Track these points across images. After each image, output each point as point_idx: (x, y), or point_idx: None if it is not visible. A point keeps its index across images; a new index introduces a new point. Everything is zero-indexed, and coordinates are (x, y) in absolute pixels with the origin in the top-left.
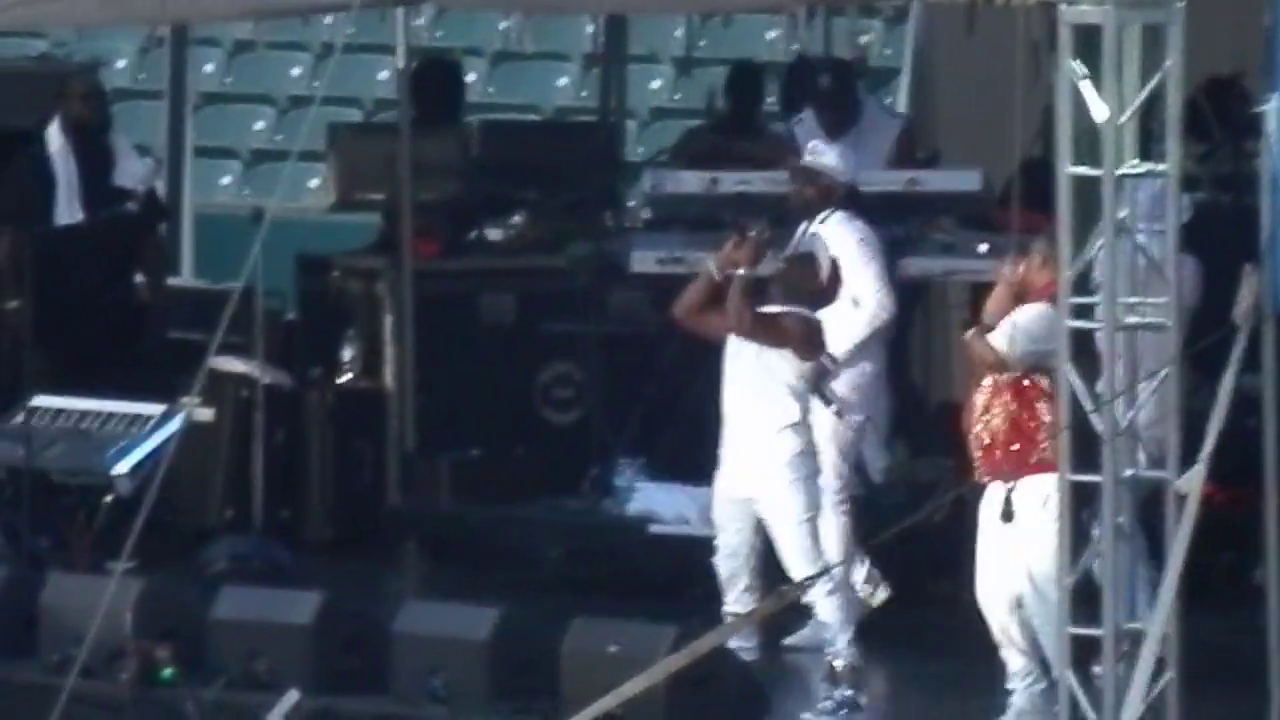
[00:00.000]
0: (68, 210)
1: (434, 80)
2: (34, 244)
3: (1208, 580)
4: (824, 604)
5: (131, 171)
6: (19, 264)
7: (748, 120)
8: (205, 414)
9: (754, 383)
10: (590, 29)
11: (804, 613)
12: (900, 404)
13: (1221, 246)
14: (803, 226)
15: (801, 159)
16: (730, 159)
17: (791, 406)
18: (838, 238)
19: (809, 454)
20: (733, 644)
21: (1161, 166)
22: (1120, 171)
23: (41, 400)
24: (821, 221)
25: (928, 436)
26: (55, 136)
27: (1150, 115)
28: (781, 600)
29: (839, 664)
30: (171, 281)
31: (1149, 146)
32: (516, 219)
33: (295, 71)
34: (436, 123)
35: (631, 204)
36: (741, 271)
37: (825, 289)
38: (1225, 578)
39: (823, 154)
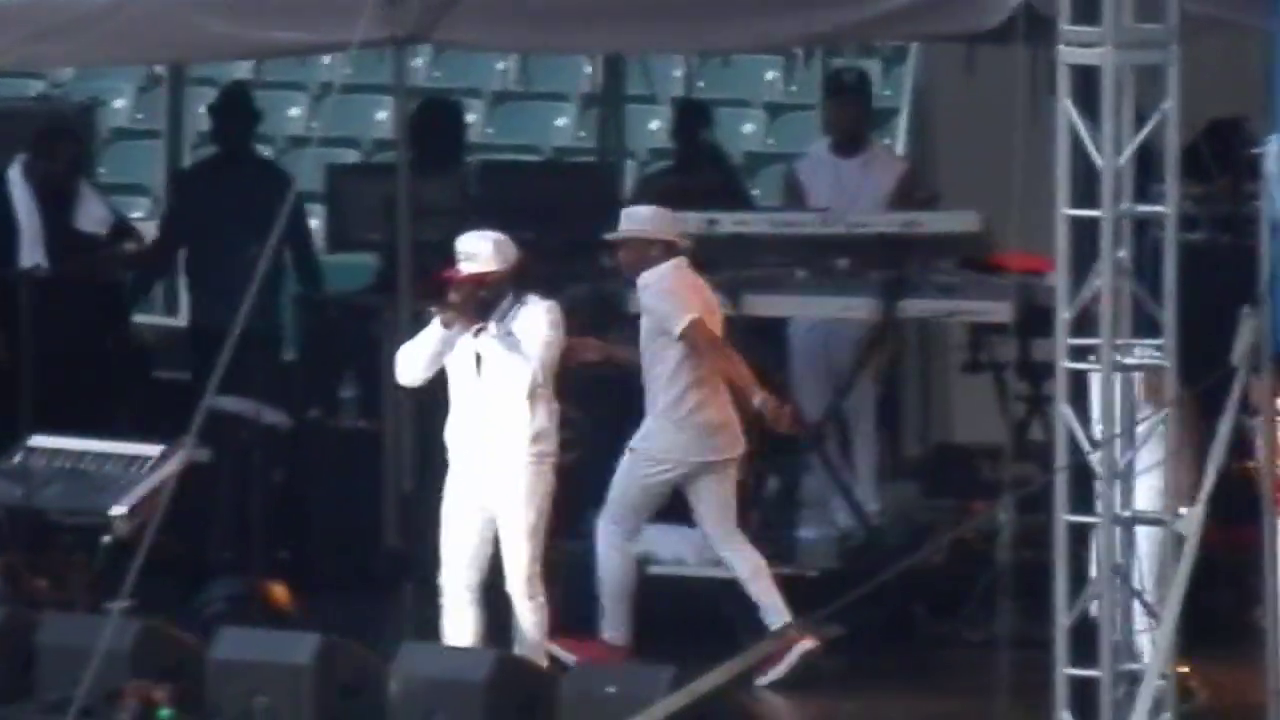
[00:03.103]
0: (30, 255)
1: (435, 121)
2: (4, 289)
3: (1207, 620)
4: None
5: (92, 215)
6: None
7: (695, 155)
8: (203, 454)
9: None
10: (588, 69)
11: None
12: (890, 444)
13: (1220, 287)
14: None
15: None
16: (684, 197)
17: None
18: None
19: None
20: None
21: (1159, 208)
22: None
23: (39, 440)
24: (505, 317)
25: (928, 477)
26: (17, 181)
27: (1147, 156)
28: (781, 640)
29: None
30: (171, 322)
31: (1147, 187)
32: None
33: (293, 112)
34: (436, 164)
35: None
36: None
37: None
38: (1225, 618)
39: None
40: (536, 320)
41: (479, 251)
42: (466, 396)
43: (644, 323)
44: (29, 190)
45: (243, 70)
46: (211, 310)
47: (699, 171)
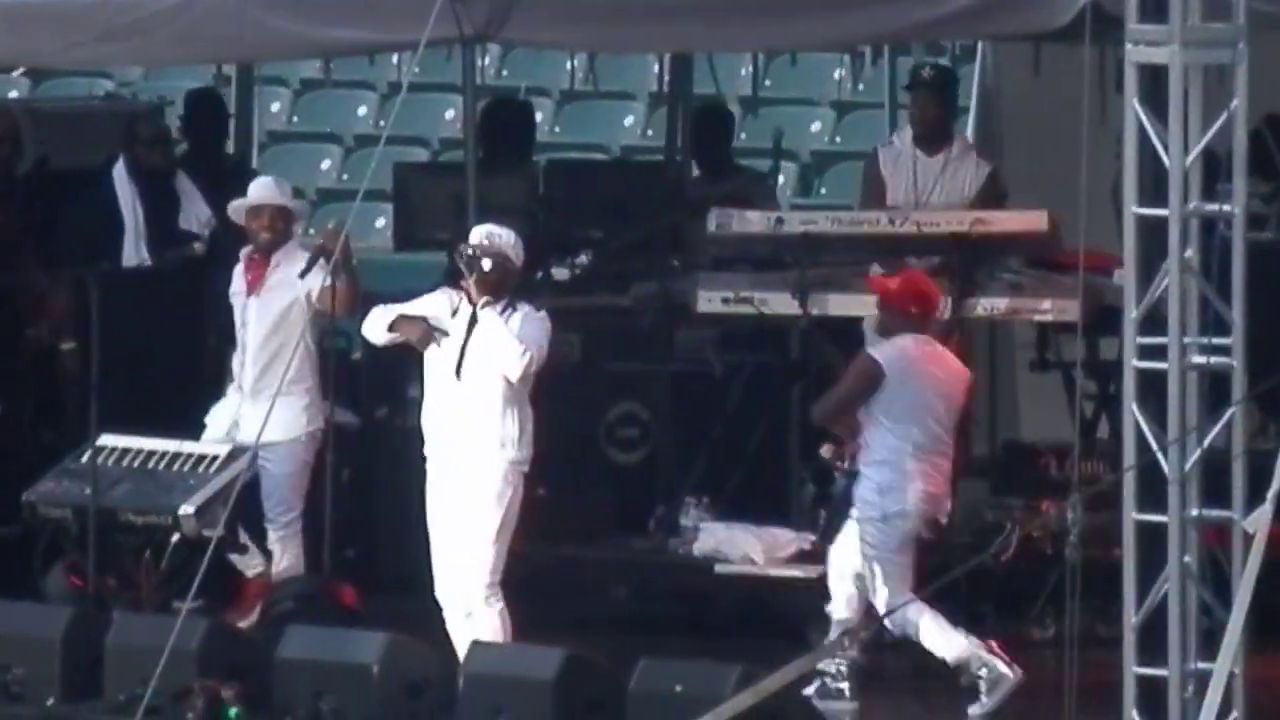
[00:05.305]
0: (135, 253)
1: (503, 120)
2: (101, 285)
3: (1275, 619)
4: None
5: (196, 214)
6: (79, 306)
7: (720, 162)
8: None
9: None
10: (656, 68)
11: None
12: (963, 445)
13: None
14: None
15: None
16: (710, 203)
17: None
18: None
19: None
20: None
21: (1227, 206)
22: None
23: (108, 440)
24: (504, 312)
25: (996, 476)
26: (122, 179)
27: (1214, 155)
28: (851, 641)
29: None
30: None
31: (1213, 186)
32: (582, 258)
33: (362, 111)
34: (505, 162)
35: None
36: None
37: None
38: None
39: (500, 236)
40: (533, 324)
41: (503, 236)
42: (444, 392)
43: None
44: (134, 190)
45: (311, 69)
46: None
47: (721, 177)
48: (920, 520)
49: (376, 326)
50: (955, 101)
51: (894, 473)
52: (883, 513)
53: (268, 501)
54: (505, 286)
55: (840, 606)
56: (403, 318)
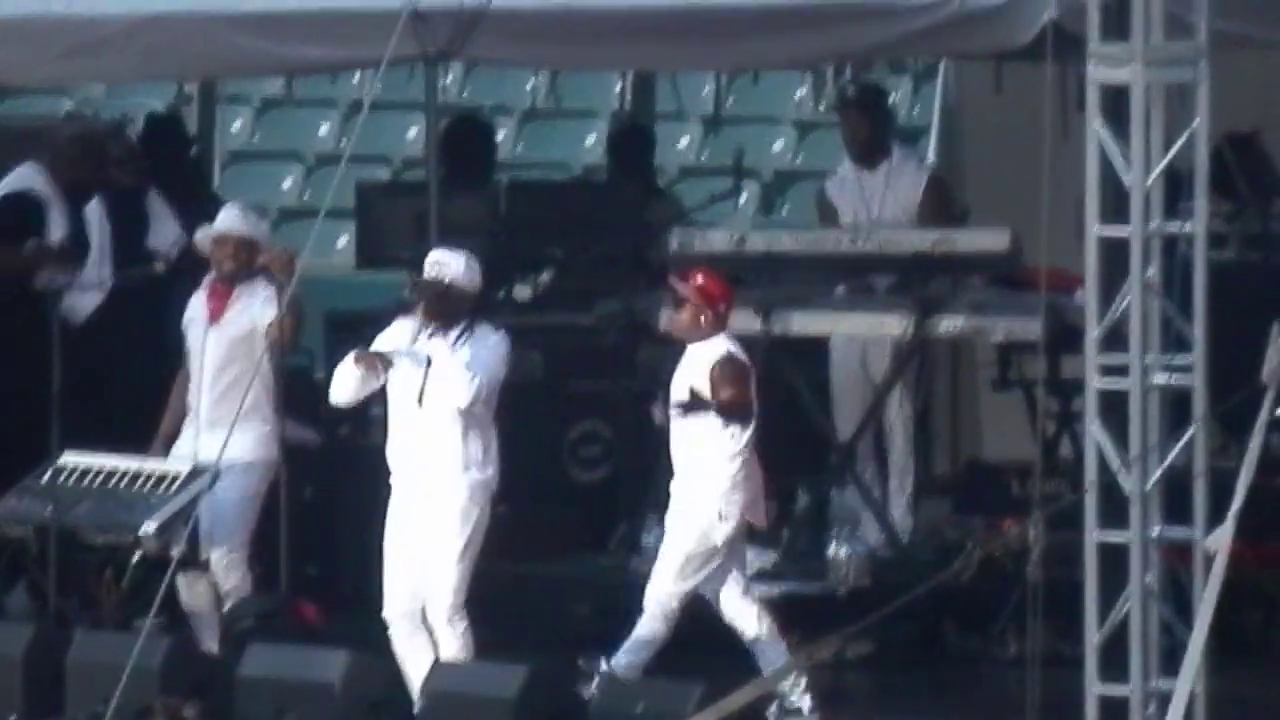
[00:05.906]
0: (97, 272)
1: (465, 138)
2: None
3: (1236, 638)
4: None
5: (164, 234)
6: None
7: (642, 183)
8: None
9: None
10: (618, 87)
11: None
12: (921, 462)
13: (1250, 305)
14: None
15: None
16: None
17: None
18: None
19: None
20: None
21: (1189, 226)
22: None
23: (69, 458)
24: (460, 337)
25: (958, 495)
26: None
27: (1176, 174)
28: (811, 657)
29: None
30: None
31: (1175, 205)
32: (544, 277)
33: (323, 129)
34: (467, 181)
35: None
36: None
37: None
38: (1253, 635)
39: (448, 264)
40: (486, 349)
41: (451, 263)
42: (406, 420)
43: None
44: (102, 207)
45: (273, 87)
46: None
47: (650, 201)
48: (742, 526)
49: (339, 385)
50: (886, 115)
51: (726, 479)
52: (709, 512)
53: (214, 523)
54: (460, 312)
55: (750, 626)
56: (355, 355)
